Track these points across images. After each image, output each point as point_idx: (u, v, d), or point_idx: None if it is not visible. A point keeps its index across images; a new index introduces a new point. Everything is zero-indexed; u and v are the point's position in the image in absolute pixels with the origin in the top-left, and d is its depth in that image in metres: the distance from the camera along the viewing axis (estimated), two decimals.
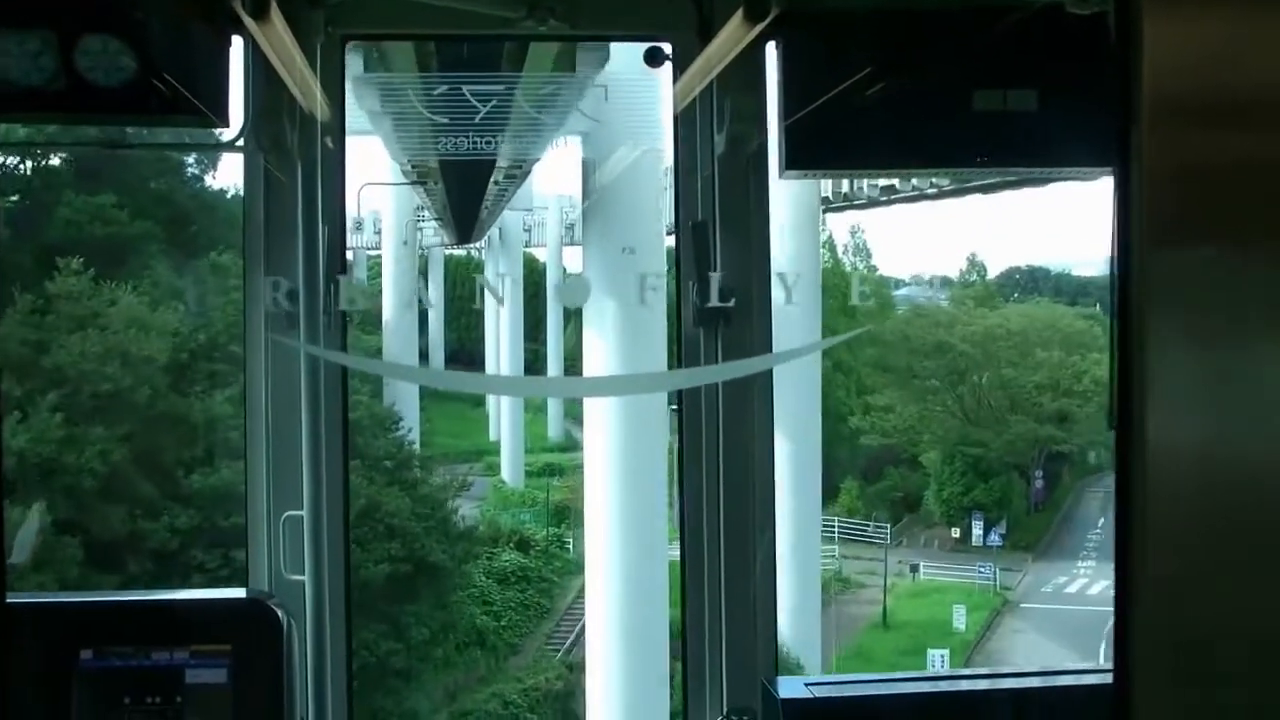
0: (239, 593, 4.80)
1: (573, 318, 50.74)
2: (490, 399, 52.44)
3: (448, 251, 52.78)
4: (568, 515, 40.18)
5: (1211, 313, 1.62)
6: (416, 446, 36.75)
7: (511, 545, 37.26)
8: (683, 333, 4.83)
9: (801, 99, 4.32)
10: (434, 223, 42.93)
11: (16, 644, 4.13)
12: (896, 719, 4.60)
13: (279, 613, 4.30)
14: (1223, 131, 1.64)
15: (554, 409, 52.66)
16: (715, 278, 4.61)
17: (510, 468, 47.54)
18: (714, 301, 4.61)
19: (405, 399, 38.40)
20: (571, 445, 51.50)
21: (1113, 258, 2.15)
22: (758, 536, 4.82)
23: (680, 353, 4.88)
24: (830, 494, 41.16)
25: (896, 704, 4.67)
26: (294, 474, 4.68)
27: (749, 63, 4.47)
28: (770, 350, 4.80)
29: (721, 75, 4.49)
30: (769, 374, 4.86)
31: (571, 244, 48.48)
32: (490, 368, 53.17)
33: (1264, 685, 1.59)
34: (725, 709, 4.77)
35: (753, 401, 4.80)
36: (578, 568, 34.33)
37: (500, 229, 47.00)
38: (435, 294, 55.04)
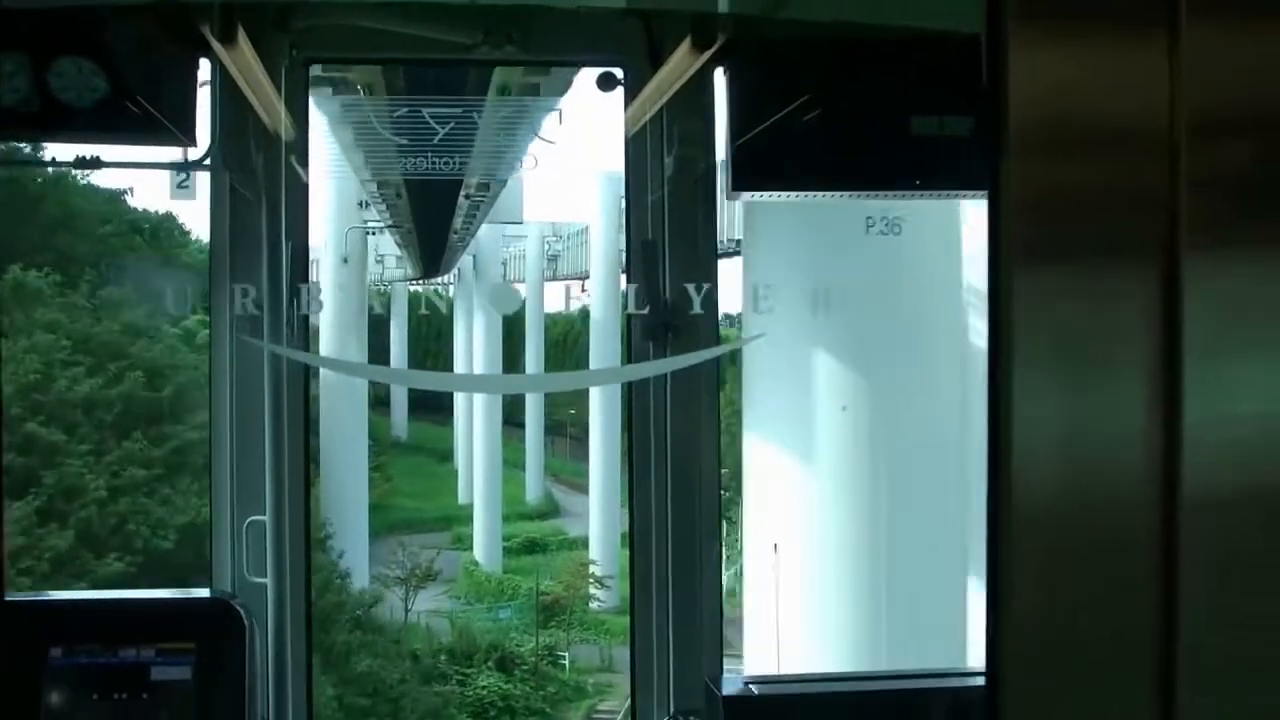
0: (204, 593, 5.01)
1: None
2: (460, 456, 48.27)
3: (413, 287, 48.65)
4: (560, 615, 35.79)
5: (1073, 326, 1.70)
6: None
7: (490, 664, 30.39)
8: (632, 347, 5.07)
9: (748, 123, 4.58)
10: (395, 255, 40.37)
11: None
12: (836, 715, 4.75)
13: (242, 613, 4.48)
14: (1080, 158, 1.72)
15: (533, 464, 48.84)
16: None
17: (485, 544, 42.34)
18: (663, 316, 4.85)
19: (349, 461, 35.23)
20: (552, 510, 48.44)
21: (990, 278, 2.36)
22: (704, 539, 5.04)
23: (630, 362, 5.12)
24: None
25: (837, 701, 4.84)
26: (257, 479, 4.89)
27: (697, 88, 4.75)
28: (716, 365, 5.07)
29: (671, 100, 4.76)
30: (714, 383, 5.12)
31: (554, 279, 45.80)
32: (461, 414, 48.71)
33: (1130, 686, 1.68)
34: (672, 710, 4.99)
35: (700, 409, 5.03)
36: (577, 692, 31.32)
37: (475, 257, 43.58)
38: (399, 333, 52.26)
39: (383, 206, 27.65)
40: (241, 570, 4.89)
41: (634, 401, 5.18)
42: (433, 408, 53.28)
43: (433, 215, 25.05)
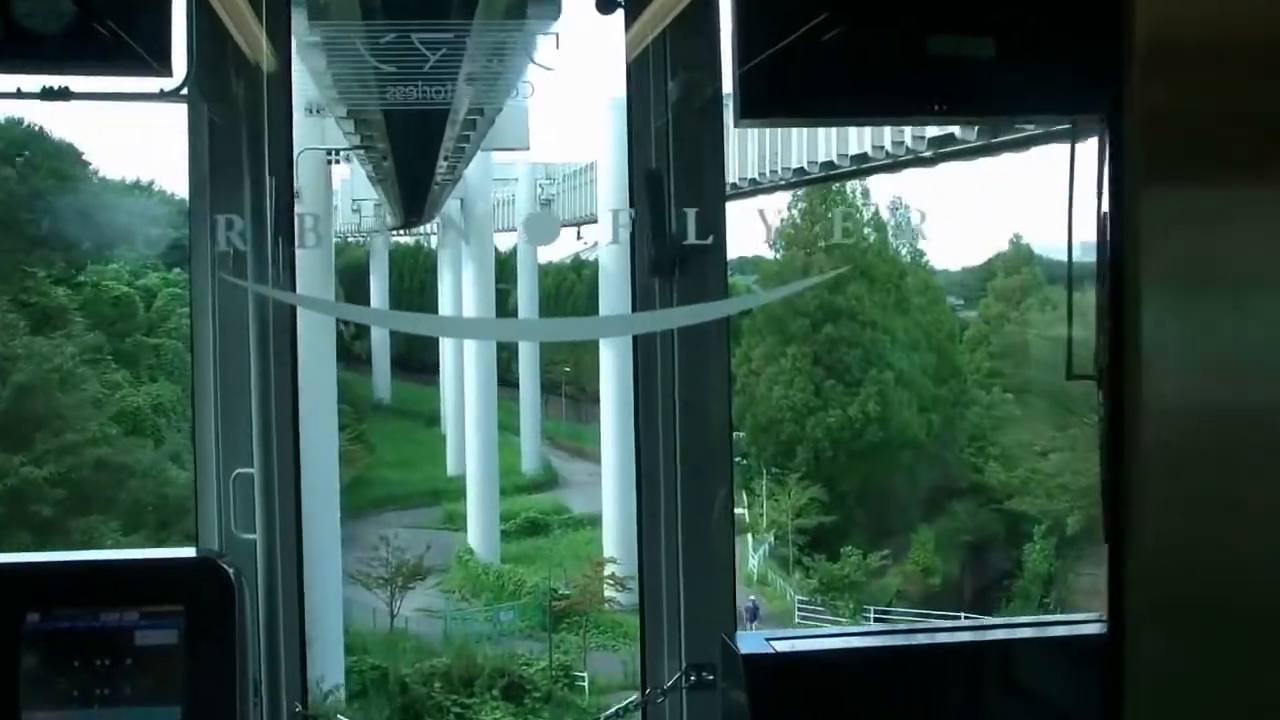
0: (189, 552, 5.15)
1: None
2: (449, 420, 47.18)
3: (394, 239, 49.76)
4: (572, 624, 33.97)
5: (1206, 259, 1.73)
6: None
7: (495, 692, 27.93)
8: (637, 280, 5.25)
9: (756, 46, 4.67)
10: (373, 203, 39.13)
11: None
12: (864, 674, 4.93)
13: (230, 572, 4.62)
14: (1214, 78, 1.74)
15: (528, 429, 47.57)
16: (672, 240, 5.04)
17: (480, 528, 40.35)
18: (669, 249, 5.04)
19: (316, 433, 32.26)
20: (550, 480, 47.47)
21: (1099, 206, 2.48)
22: (716, 487, 5.25)
23: (635, 300, 5.29)
24: None
25: (863, 658, 5.05)
26: (243, 430, 5.06)
27: (702, 9, 4.91)
28: (725, 294, 5.27)
29: (674, 22, 4.91)
30: (724, 326, 5.30)
31: None
32: (449, 374, 47.46)
33: (1259, 630, 1.66)
34: (684, 664, 5.21)
35: (709, 353, 5.23)
36: None
37: (463, 201, 41.00)
38: (380, 289, 51.78)
39: (359, 145, 27.39)
40: (229, 527, 5.07)
41: (638, 345, 5.34)
42: (416, 366, 52.83)
43: (416, 153, 24.91)
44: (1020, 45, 4.73)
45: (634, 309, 5.37)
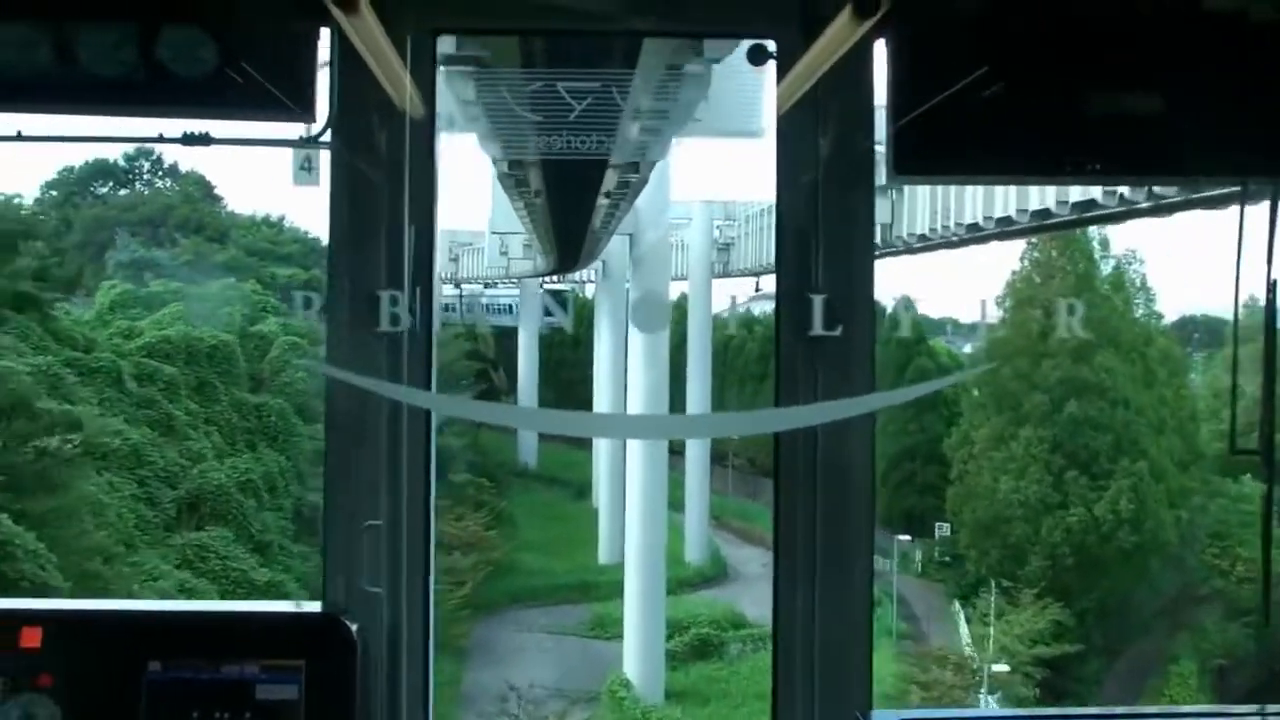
0: (314, 606, 5.63)
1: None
2: (602, 492, 45.93)
3: (546, 286, 48.66)
4: None
5: None
6: None
7: None
8: (781, 355, 5.69)
9: (911, 101, 5.14)
10: (522, 240, 39.84)
11: (83, 653, 5.12)
12: None
13: (353, 628, 5.16)
14: None
15: (694, 508, 46.26)
16: (819, 301, 5.47)
17: (640, 647, 36.90)
18: (817, 328, 5.48)
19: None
20: (719, 572, 46.12)
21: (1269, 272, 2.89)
22: (855, 560, 5.67)
23: (779, 377, 5.72)
24: None
25: None
26: (374, 482, 5.57)
27: (856, 61, 5.25)
28: (873, 375, 5.64)
29: (827, 75, 5.20)
30: (870, 383, 5.68)
31: (725, 275, 44.27)
32: (606, 440, 45.48)
33: None
34: None
35: (852, 427, 5.63)
36: None
37: (631, 237, 39.74)
38: (528, 341, 52.16)
39: (515, 195, 28.21)
40: (357, 579, 5.53)
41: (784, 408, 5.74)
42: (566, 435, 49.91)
43: (571, 201, 25.68)
44: (1188, 104, 5.13)
45: (778, 387, 5.74)
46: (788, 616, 5.74)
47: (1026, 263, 44.54)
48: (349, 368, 5.52)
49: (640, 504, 38.57)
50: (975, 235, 33.58)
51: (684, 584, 43.82)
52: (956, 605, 44.57)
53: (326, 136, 5.56)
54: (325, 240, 5.64)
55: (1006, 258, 45.25)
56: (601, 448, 46.55)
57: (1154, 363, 45.50)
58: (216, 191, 51.27)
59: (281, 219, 49.16)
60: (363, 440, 5.65)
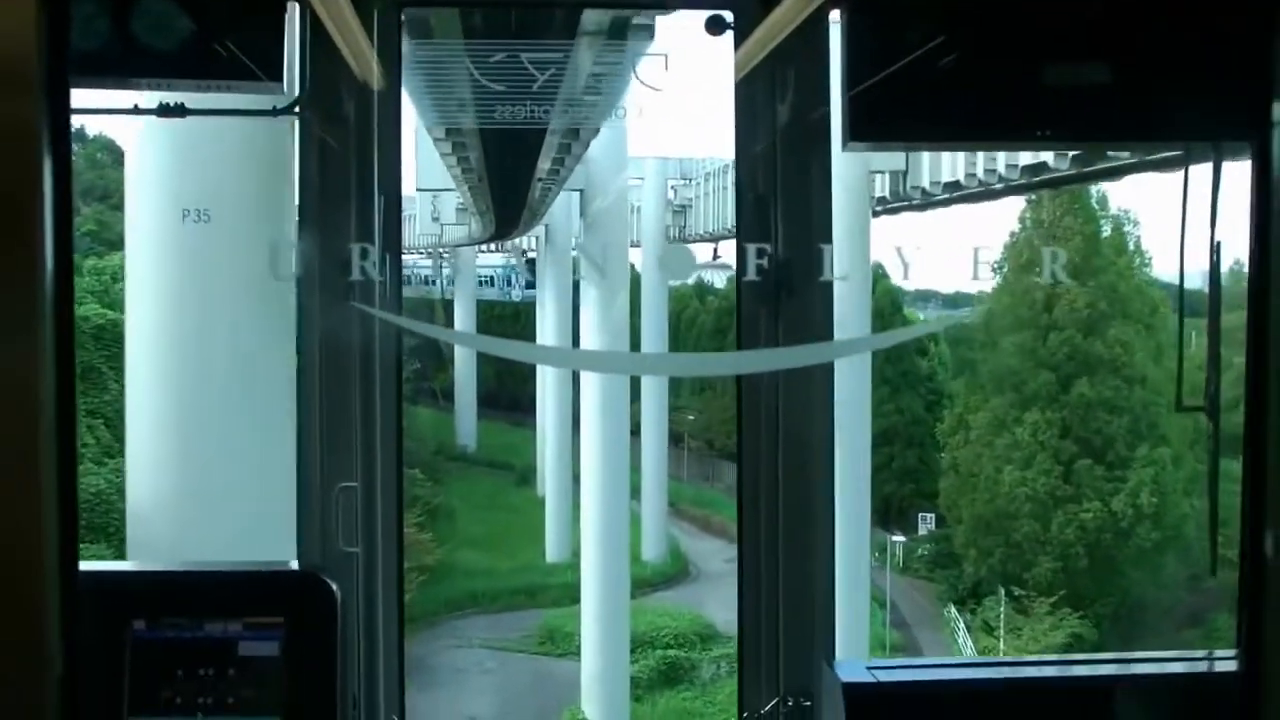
0: (292, 565, 6.15)
1: None
2: (548, 476, 43.57)
3: (482, 256, 48.20)
4: None
5: None
6: None
7: None
8: (742, 310, 6.20)
9: (866, 69, 5.54)
10: (456, 205, 38.47)
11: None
12: (968, 708, 5.66)
13: (332, 586, 5.54)
14: None
15: (651, 506, 43.33)
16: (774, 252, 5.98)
17: (601, 669, 32.89)
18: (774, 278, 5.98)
19: None
20: (679, 570, 44.08)
21: (1252, 237, 2.83)
22: (818, 511, 6.21)
23: (740, 330, 6.21)
24: None
25: (969, 691, 5.78)
26: (347, 444, 6.08)
27: (812, 31, 5.76)
28: (831, 328, 6.17)
29: (784, 44, 5.78)
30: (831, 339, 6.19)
31: (682, 239, 41.89)
32: (551, 412, 44.24)
33: None
34: (782, 691, 6.15)
35: (813, 380, 6.17)
36: None
37: (581, 193, 37.17)
38: (465, 311, 50.40)
39: (452, 160, 28.24)
40: (332, 540, 6.07)
41: (742, 375, 6.31)
42: (506, 403, 50.33)
43: (512, 167, 25.89)
44: (1136, 71, 5.60)
45: (740, 338, 6.29)
46: (753, 570, 6.28)
47: (1027, 223, 43.13)
48: (323, 334, 6.13)
49: (598, 497, 34.41)
50: (930, 199, 33.18)
51: (643, 585, 40.22)
52: (953, 610, 43.50)
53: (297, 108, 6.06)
54: None
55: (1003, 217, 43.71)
56: (549, 427, 44.09)
57: (1159, 333, 42.91)
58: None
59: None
60: (335, 403, 6.16)
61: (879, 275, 35.83)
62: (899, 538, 46.37)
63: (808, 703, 6.17)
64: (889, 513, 47.83)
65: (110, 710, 5.37)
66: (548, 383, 45.11)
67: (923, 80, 5.53)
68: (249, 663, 5.50)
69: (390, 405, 6.19)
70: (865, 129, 5.75)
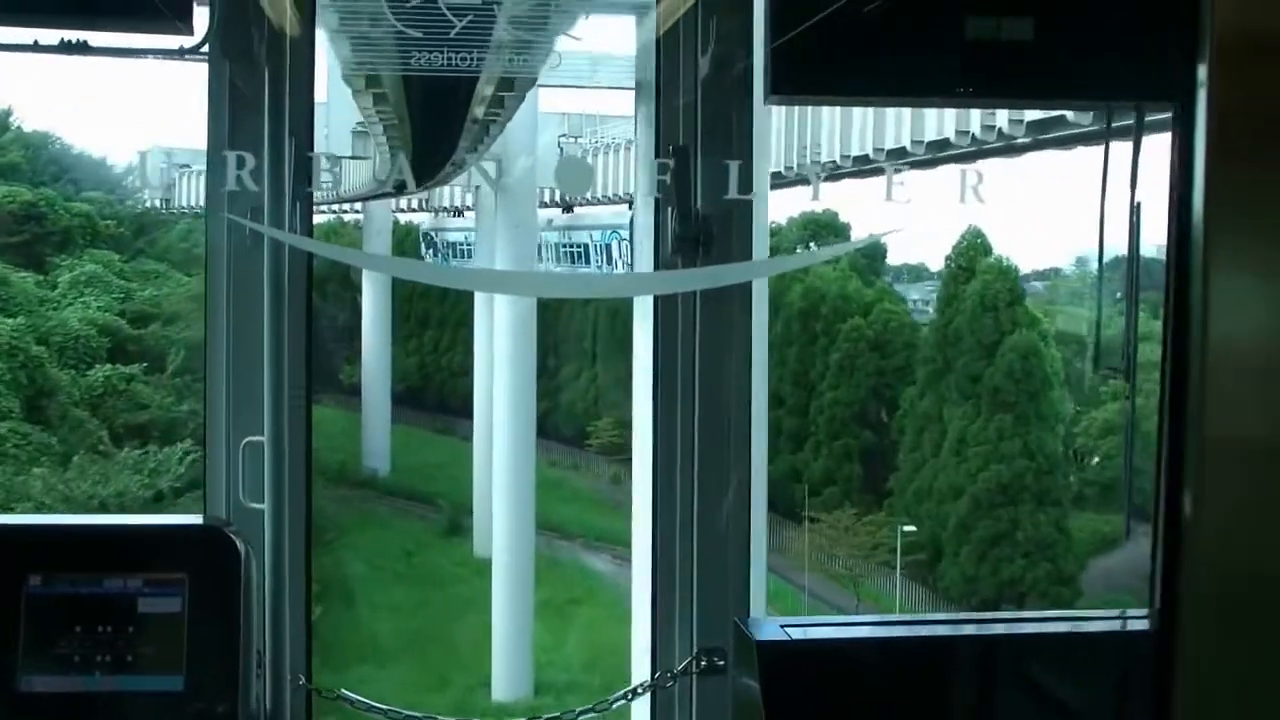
0: (195, 519, 6.05)
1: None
2: (495, 533, 29.46)
3: (400, 214, 46.92)
4: None
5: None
6: None
7: None
8: (660, 261, 6.19)
9: (789, 22, 5.44)
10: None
11: None
12: (883, 665, 5.63)
13: (236, 541, 5.44)
14: None
15: None
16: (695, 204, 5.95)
17: None
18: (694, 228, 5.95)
19: None
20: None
21: (1172, 188, 2.98)
22: (733, 467, 6.21)
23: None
24: None
25: (883, 648, 5.76)
26: (255, 398, 5.99)
27: None
28: (749, 295, 6.18)
29: None
30: (748, 300, 6.25)
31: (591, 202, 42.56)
32: (480, 418, 34.01)
33: None
34: (695, 648, 6.15)
35: (732, 327, 6.18)
36: None
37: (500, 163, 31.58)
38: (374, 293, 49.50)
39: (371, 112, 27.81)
40: (237, 495, 5.99)
41: (659, 317, 6.28)
42: (431, 403, 40.68)
43: (436, 122, 25.58)
44: (1069, 29, 5.50)
45: (655, 307, 6.28)
46: (665, 522, 6.30)
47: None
48: (232, 278, 6.04)
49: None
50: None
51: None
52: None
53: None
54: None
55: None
56: (497, 444, 32.05)
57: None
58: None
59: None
60: (242, 355, 6.07)
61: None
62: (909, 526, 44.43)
63: (721, 661, 6.17)
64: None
65: (3, 668, 5.24)
66: (499, 377, 34.35)
67: (845, 36, 5.44)
68: (150, 620, 5.35)
69: (299, 358, 6.10)
70: (786, 82, 5.65)
